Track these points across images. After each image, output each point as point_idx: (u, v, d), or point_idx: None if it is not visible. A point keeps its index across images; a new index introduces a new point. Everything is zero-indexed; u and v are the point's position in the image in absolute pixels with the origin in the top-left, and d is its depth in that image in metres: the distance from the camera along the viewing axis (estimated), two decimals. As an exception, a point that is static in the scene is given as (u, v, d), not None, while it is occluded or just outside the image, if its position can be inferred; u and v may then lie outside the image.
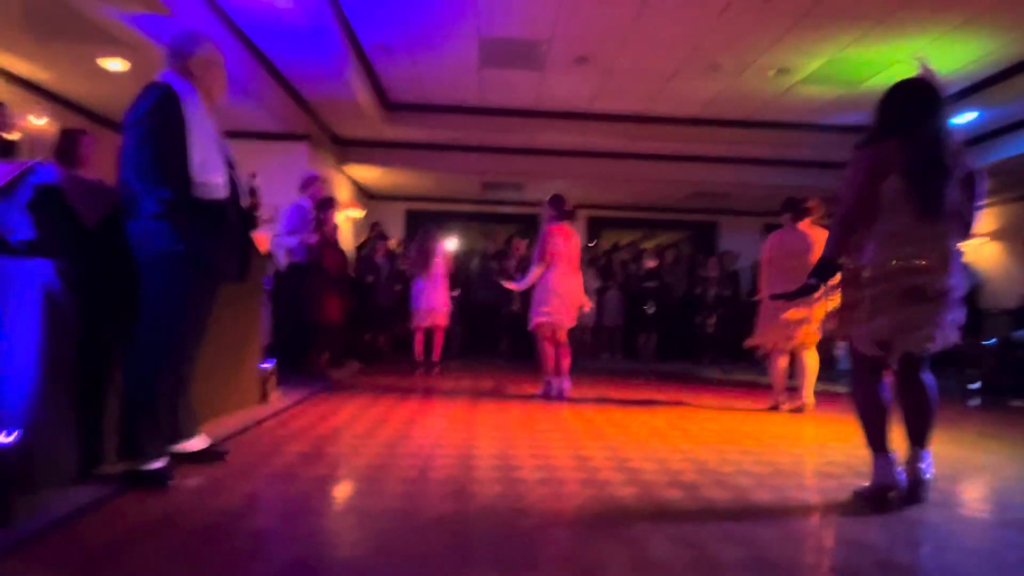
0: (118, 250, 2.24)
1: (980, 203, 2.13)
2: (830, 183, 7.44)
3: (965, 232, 2.13)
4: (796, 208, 4.18)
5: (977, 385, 6.03)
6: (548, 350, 4.58)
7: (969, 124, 6.37)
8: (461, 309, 7.30)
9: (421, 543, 1.72)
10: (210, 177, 2.27)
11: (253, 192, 2.63)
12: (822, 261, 2.23)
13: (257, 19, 4.58)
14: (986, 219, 9.06)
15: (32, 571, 1.49)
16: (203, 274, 2.31)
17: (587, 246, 9.36)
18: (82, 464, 2.17)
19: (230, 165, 2.47)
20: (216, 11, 4.36)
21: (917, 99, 2.10)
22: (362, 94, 5.99)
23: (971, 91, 5.85)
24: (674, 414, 4.03)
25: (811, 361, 4.15)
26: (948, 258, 2.05)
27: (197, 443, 2.52)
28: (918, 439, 2.13)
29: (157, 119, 2.17)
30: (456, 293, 6.47)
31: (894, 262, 2.04)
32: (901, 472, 2.14)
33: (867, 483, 2.20)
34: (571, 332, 4.72)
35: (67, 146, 3.03)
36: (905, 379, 2.14)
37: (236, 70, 4.80)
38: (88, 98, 6.01)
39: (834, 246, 2.21)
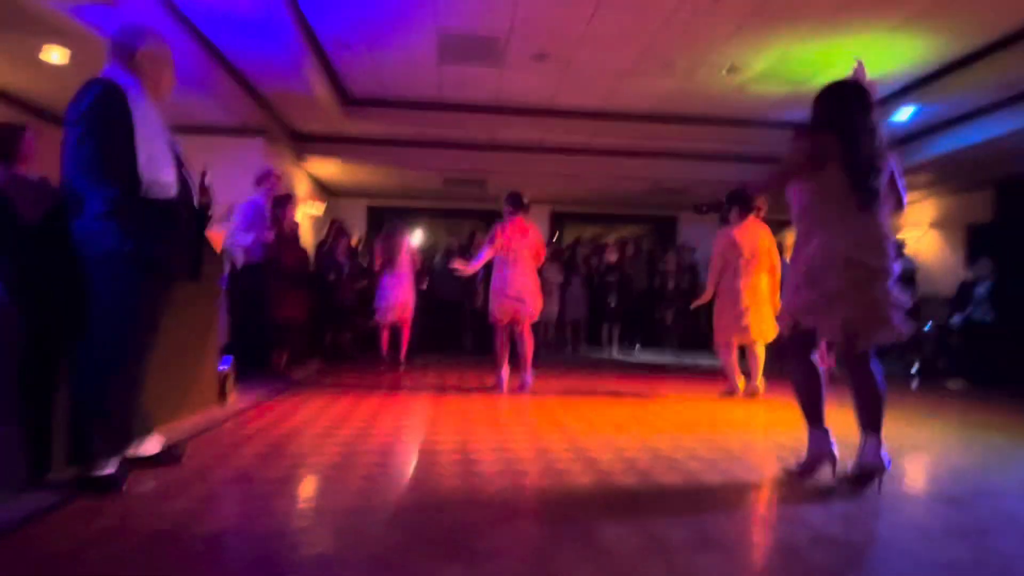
0: (62, 249, 2.18)
1: (903, 181, 2.31)
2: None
3: (899, 208, 2.31)
4: (743, 203, 4.26)
5: (916, 368, 6.38)
6: (501, 343, 4.70)
7: (908, 120, 6.70)
8: (425, 305, 7.29)
9: (381, 538, 1.75)
10: (159, 175, 2.23)
11: (205, 190, 2.58)
12: (738, 189, 2.50)
13: (208, 11, 4.46)
14: (924, 210, 9.57)
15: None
16: (153, 274, 2.26)
17: (550, 241, 9.47)
18: (30, 470, 2.12)
19: (180, 162, 2.43)
20: (164, 2, 4.23)
21: (850, 99, 2.26)
22: (320, 88, 5.90)
23: (910, 88, 6.14)
24: (634, 404, 4.14)
25: (761, 350, 4.34)
26: (885, 243, 2.21)
27: (151, 446, 2.48)
28: (869, 425, 2.25)
29: (100, 115, 2.11)
30: (424, 286, 6.49)
31: (843, 249, 2.17)
32: (833, 444, 2.29)
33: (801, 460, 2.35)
34: (535, 325, 4.80)
35: (6, 142, 2.90)
36: (854, 367, 2.28)
37: (186, 63, 4.67)
38: (27, 90, 5.74)
39: (759, 188, 2.56)
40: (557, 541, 1.73)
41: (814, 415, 2.32)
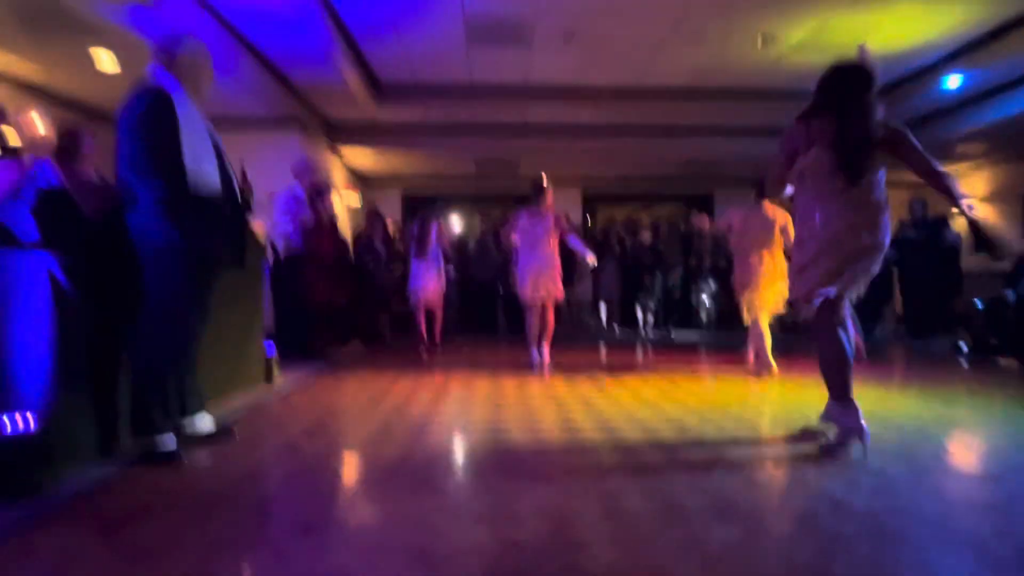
0: (121, 241, 2.38)
1: (919, 146, 2.31)
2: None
3: (935, 175, 2.28)
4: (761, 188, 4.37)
5: (965, 346, 6.15)
6: (531, 322, 4.87)
7: (958, 88, 6.38)
8: (460, 287, 7.44)
9: (416, 503, 1.88)
10: (203, 169, 2.40)
11: (246, 182, 2.74)
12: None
13: (243, 9, 4.62)
14: (978, 182, 9.09)
15: (60, 535, 1.65)
16: (201, 261, 2.44)
17: (582, 222, 9.47)
18: (100, 443, 2.33)
19: (222, 157, 2.59)
20: (202, 3, 4.41)
21: (851, 82, 2.32)
22: (351, 78, 6.03)
23: (957, 55, 5.84)
24: (664, 382, 4.18)
25: (766, 327, 4.39)
26: (879, 217, 2.29)
27: (206, 425, 2.68)
28: (832, 390, 2.36)
29: (149, 119, 2.30)
30: (449, 268, 6.68)
31: (842, 223, 2.28)
32: (862, 419, 2.30)
33: (832, 436, 2.36)
34: (565, 306, 4.94)
35: (69, 144, 3.13)
36: (820, 330, 2.37)
37: (224, 59, 4.86)
38: (80, 92, 6.07)
39: (769, 187, 2.77)
40: (579, 507, 1.82)
41: (843, 389, 2.33)
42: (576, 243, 5.02)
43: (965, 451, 2.65)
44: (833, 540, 1.60)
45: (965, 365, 5.50)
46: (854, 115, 2.27)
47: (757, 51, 5.91)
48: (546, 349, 4.92)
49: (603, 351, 6.27)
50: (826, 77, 2.38)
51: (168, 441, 2.34)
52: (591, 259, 5.04)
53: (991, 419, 3.15)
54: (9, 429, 1.94)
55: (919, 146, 2.29)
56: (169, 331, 2.42)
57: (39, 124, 2.83)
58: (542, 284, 4.75)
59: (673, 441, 2.58)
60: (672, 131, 8.05)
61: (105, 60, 5.04)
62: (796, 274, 2.46)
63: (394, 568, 1.44)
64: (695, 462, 2.29)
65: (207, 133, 2.54)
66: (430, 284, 6.00)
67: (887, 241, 2.32)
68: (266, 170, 6.17)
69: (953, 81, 6.15)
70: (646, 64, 6.34)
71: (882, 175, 2.34)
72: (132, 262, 2.39)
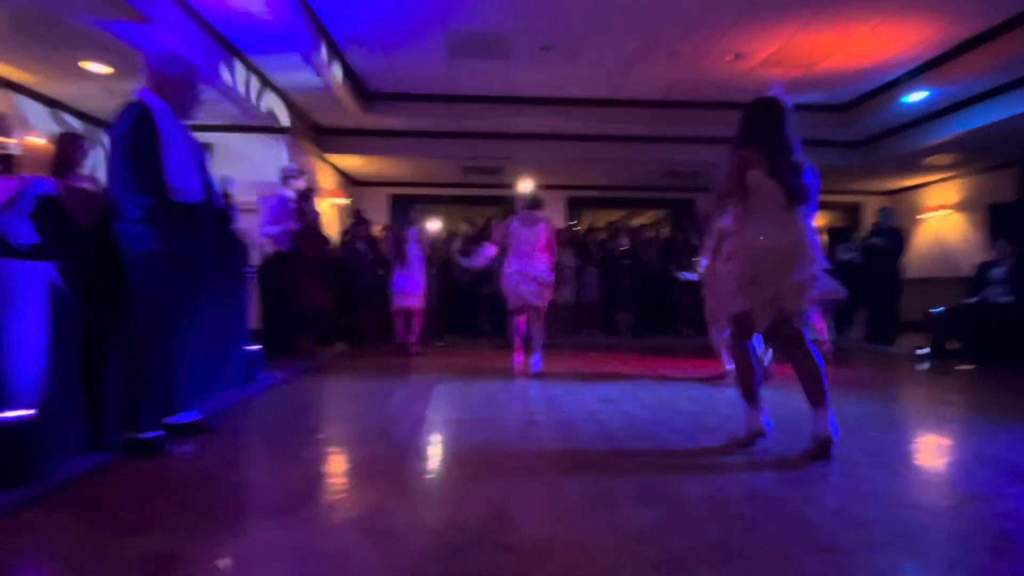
0: (111, 248, 2.57)
1: (816, 186, 2.59)
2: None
3: (815, 210, 2.61)
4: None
5: (926, 350, 6.41)
6: (515, 326, 5.07)
7: (924, 100, 6.65)
8: (442, 291, 7.63)
9: (372, 490, 2.08)
10: (184, 182, 2.60)
11: (227, 193, 2.94)
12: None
13: (233, 22, 4.82)
14: (948, 192, 9.40)
15: (54, 518, 1.84)
16: (184, 268, 2.63)
17: (567, 227, 9.68)
18: (89, 435, 2.52)
19: (204, 170, 2.79)
20: (193, 16, 4.60)
21: (771, 115, 2.56)
22: (338, 86, 6.23)
23: (920, 71, 6.12)
24: (632, 384, 4.40)
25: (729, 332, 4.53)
26: (802, 234, 2.49)
27: (190, 417, 2.87)
28: (816, 401, 2.47)
29: (134, 135, 2.50)
30: (430, 272, 6.89)
31: (762, 240, 2.49)
32: (768, 420, 2.58)
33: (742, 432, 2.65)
34: (550, 309, 5.11)
35: (64, 151, 3.31)
36: (791, 349, 2.51)
37: (214, 67, 5.04)
38: (76, 99, 6.23)
39: (706, 213, 3.23)
40: (524, 495, 2.03)
41: (750, 394, 2.62)
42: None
43: (879, 447, 2.87)
44: (740, 521, 1.81)
45: (924, 368, 5.75)
46: (779, 144, 2.51)
47: (728, 65, 6.17)
48: (535, 355, 4.94)
49: (581, 354, 6.49)
50: (747, 111, 2.62)
51: (154, 434, 2.53)
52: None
53: (921, 418, 3.39)
54: (7, 422, 2.12)
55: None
56: (156, 333, 2.61)
57: (35, 139, 3.01)
58: (526, 291, 4.86)
59: (623, 437, 2.79)
60: (652, 139, 8.31)
61: (96, 69, 5.21)
62: (737, 290, 2.63)
63: (347, 542, 1.64)
64: (638, 455, 2.51)
65: (191, 148, 2.74)
66: (409, 288, 6.23)
67: (811, 254, 2.49)
68: (256, 175, 6.37)
69: (915, 96, 6.43)
70: (621, 77, 6.59)
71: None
72: (120, 268, 2.58)
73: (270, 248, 5.65)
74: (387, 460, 2.42)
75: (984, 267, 6.73)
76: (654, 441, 2.72)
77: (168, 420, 2.74)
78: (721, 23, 5.26)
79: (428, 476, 2.26)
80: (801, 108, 7.71)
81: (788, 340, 2.50)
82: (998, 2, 4.81)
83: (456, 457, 2.47)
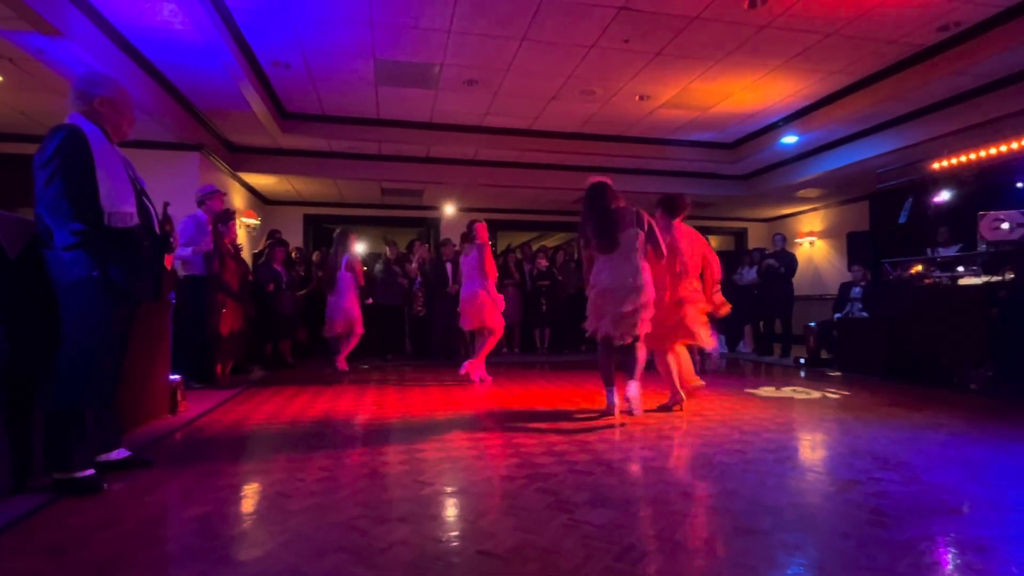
0: (39, 278, 2.43)
1: (663, 236, 4.05)
2: (689, 189, 8.56)
3: (661, 256, 3.96)
4: (672, 205, 4.47)
5: (803, 360, 7.32)
6: (467, 343, 5.83)
7: (794, 144, 7.69)
8: (366, 311, 7.58)
9: (339, 514, 2.15)
10: (120, 207, 2.49)
11: (167, 218, 2.86)
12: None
13: (150, 36, 4.64)
14: (814, 220, 10.78)
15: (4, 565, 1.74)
16: (119, 297, 2.51)
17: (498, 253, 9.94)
18: (14, 477, 2.35)
19: (142, 194, 2.70)
20: (107, 30, 4.38)
21: (592, 196, 3.99)
22: (258, 106, 6.10)
23: (792, 118, 7.09)
24: (558, 399, 4.67)
25: (641, 351, 4.18)
26: (633, 276, 3.75)
27: (119, 453, 2.74)
28: (631, 376, 3.91)
29: (63, 158, 2.36)
30: (369, 301, 7.01)
31: (600, 281, 3.83)
32: (615, 399, 3.85)
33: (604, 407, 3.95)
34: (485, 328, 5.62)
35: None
36: (626, 350, 3.89)
37: (127, 83, 4.79)
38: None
39: (583, 273, 4.16)
40: (481, 505, 2.20)
41: (608, 381, 3.94)
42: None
43: (778, 445, 3.35)
44: (677, 515, 2.11)
45: (803, 376, 6.56)
46: (595, 215, 3.91)
47: (636, 105, 6.78)
48: (479, 369, 5.70)
49: (503, 372, 6.71)
50: (584, 194, 4.02)
51: (86, 473, 2.39)
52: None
53: (806, 419, 3.95)
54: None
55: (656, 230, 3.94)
56: (87, 367, 2.45)
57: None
58: (470, 312, 5.53)
59: (564, 449, 3.04)
60: (565, 168, 8.84)
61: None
62: (592, 313, 3.89)
63: (337, 565, 1.72)
64: (581, 464, 2.76)
65: (126, 171, 2.63)
66: (340, 315, 6.34)
67: (639, 289, 3.72)
68: (164, 193, 6.02)
69: (789, 139, 7.42)
70: (540, 112, 7.02)
71: (637, 243, 3.80)
72: (48, 299, 2.44)
73: (182, 271, 5.38)
74: (347, 483, 2.48)
75: (845, 287, 7.82)
76: (590, 452, 2.98)
77: (99, 456, 2.61)
78: (631, 70, 5.82)
79: (392, 496, 2.36)
80: (697, 144, 8.64)
81: (625, 346, 3.86)
82: (852, 68, 5.75)
83: (414, 476, 2.58)
